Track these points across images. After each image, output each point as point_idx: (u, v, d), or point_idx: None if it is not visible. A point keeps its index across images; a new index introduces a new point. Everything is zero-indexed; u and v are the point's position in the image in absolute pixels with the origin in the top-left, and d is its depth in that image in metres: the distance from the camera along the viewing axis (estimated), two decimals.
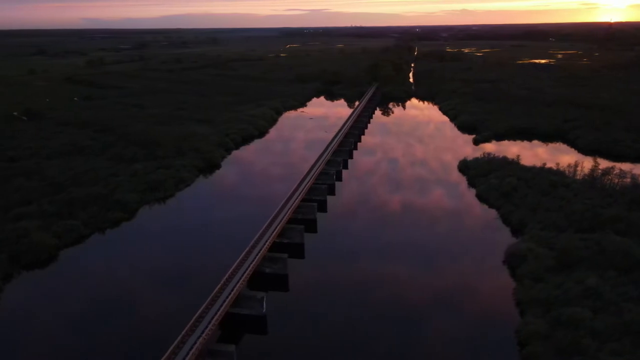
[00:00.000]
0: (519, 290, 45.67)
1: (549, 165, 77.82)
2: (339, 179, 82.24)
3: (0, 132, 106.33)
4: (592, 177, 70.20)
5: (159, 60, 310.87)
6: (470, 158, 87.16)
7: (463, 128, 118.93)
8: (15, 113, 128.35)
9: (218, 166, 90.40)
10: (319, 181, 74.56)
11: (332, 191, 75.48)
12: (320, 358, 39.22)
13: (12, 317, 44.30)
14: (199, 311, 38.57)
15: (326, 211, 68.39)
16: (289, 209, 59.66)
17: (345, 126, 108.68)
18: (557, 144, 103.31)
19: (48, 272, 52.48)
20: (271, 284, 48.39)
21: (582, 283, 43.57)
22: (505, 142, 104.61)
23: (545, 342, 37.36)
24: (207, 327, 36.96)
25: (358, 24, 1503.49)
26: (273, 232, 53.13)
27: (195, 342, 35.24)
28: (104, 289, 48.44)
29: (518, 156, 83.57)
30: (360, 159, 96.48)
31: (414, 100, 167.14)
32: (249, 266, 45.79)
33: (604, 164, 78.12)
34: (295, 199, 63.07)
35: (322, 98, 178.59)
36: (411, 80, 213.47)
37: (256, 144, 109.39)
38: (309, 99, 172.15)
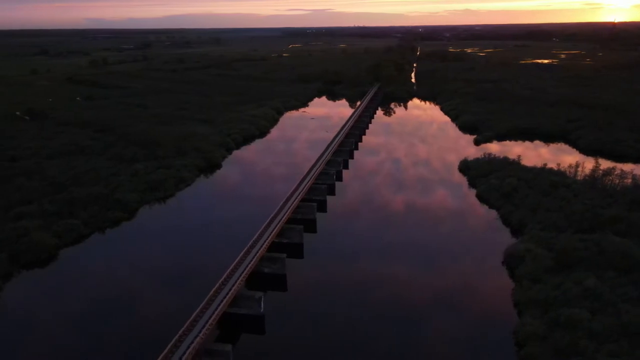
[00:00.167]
0: (517, 291, 45.57)
1: (550, 165, 77.57)
2: (339, 179, 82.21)
3: (2, 132, 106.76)
4: (593, 178, 69.97)
5: (161, 60, 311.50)
6: (471, 158, 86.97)
7: (465, 128, 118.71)
8: (17, 113, 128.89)
9: (219, 166, 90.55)
10: (318, 181, 74.55)
11: (332, 191, 75.47)
12: (319, 358, 39.23)
13: (12, 317, 44.45)
14: (196, 311, 38.62)
15: (326, 211, 68.40)
16: (288, 209, 59.69)
17: (346, 126, 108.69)
18: (559, 144, 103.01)
19: (48, 271, 52.65)
20: (270, 284, 48.42)
21: (581, 284, 43.39)
22: (507, 143, 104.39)
23: (543, 343, 37.27)
24: (204, 326, 37.01)
25: (361, 24, 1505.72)
26: (272, 232, 53.18)
27: (192, 342, 35.29)
28: (103, 288, 48.55)
29: (519, 156, 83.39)
30: (361, 159, 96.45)
31: (416, 100, 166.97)
32: (247, 266, 45.83)
33: (605, 164, 77.94)
34: (295, 199, 63.09)
35: (323, 98, 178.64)
36: (413, 80, 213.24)
37: (257, 143, 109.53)
38: (311, 99, 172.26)
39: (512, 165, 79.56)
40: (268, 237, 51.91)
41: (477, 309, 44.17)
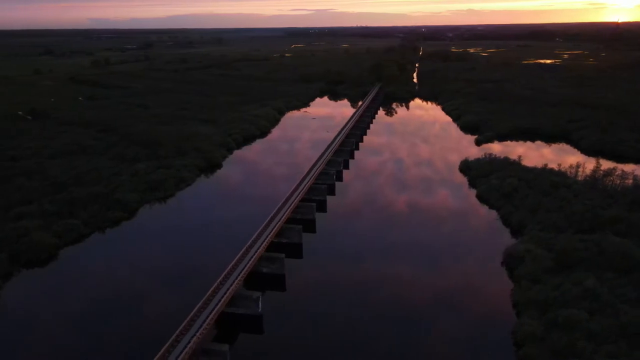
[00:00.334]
0: (516, 291, 45.46)
1: (551, 165, 77.40)
2: (340, 179, 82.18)
3: (4, 132, 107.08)
4: (594, 178, 69.77)
5: (163, 60, 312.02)
6: (472, 158, 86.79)
7: (466, 128, 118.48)
8: (20, 112, 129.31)
9: (219, 166, 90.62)
10: (318, 181, 74.53)
11: (332, 191, 75.44)
12: (318, 358, 39.21)
13: (12, 316, 44.56)
14: (194, 310, 38.65)
15: (326, 211, 68.38)
16: (288, 208, 59.70)
17: (347, 126, 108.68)
18: (561, 144, 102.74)
19: (48, 271, 52.75)
20: (268, 284, 48.44)
21: (580, 284, 43.26)
22: (509, 143, 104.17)
23: (541, 344, 37.17)
24: (201, 326, 37.05)
25: (364, 24, 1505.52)
26: (271, 232, 53.20)
27: (189, 341, 35.33)
28: (103, 288, 48.63)
29: (520, 157, 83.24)
30: (362, 158, 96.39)
31: (417, 100, 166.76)
32: (245, 266, 45.86)
33: (606, 164, 77.60)
34: (294, 199, 63.10)
35: (325, 98, 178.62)
36: (415, 80, 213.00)
37: (258, 143, 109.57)
38: (313, 99, 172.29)
39: (512, 166, 79.38)
40: (267, 237, 51.93)
41: (476, 309, 44.10)
